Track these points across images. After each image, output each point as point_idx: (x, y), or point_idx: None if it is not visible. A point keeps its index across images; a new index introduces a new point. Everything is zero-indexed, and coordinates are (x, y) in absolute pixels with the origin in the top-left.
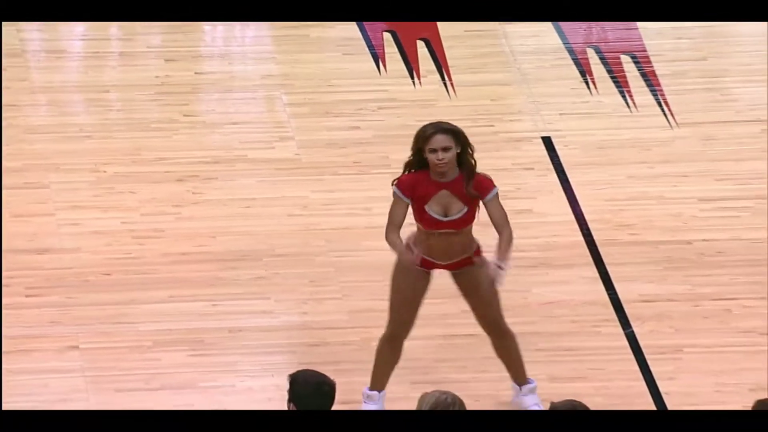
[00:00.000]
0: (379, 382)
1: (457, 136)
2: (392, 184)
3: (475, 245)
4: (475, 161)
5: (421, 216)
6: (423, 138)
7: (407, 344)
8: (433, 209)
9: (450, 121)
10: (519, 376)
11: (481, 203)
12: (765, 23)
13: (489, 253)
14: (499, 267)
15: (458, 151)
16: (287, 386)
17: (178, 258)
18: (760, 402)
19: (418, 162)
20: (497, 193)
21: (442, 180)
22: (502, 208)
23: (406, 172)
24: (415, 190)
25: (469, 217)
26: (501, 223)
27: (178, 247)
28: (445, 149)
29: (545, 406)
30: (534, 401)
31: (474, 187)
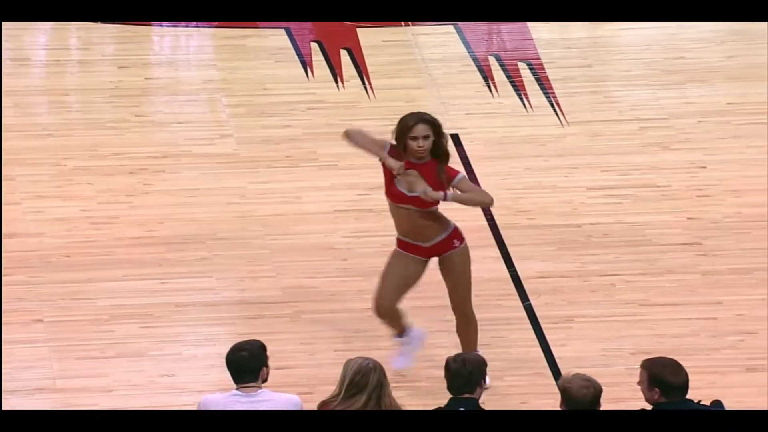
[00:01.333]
0: (399, 329)
1: (435, 126)
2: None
3: (451, 227)
4: (448, 149)
5: (389, 188)
6: (406, 128)
7: (331, 316)
8: (400, 183)
9: (427, 112)
10: (469, 349)
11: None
12: (642, 33)
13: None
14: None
15: (434, 139)
16: None
17: (131, 241)
18: (646, 361)
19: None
20: (464, 176)
21: (415, 162)
22: (473, 184)
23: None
24: (395, 157)
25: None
26: (476, 190)
27: (131, 232)
28: (425, 137)
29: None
30: None
31: (444, 173)
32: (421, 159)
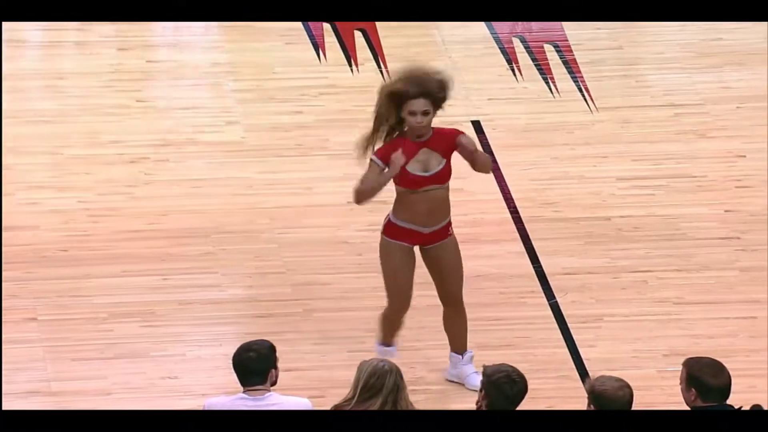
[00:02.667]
0: (389, 338)
1: (436, 101)
2: (372, 154)
3: (449, 215)
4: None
5: (404, 178)
6: (405, 98)
7: (345, 315)
8: (414, 168)
9: (420, 71)
10: (459, 347)
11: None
12: None
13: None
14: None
15: (434, 112)
16: None
17: (131, 235)
18: (688, 359)
19: (396, 125)
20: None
21: (419, 140)
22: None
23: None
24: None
25: (447, 169)
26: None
27: (131, 225)
28: (425, 113)
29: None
30: (473, 369)
31: (447, 136)
32: (421, 137)
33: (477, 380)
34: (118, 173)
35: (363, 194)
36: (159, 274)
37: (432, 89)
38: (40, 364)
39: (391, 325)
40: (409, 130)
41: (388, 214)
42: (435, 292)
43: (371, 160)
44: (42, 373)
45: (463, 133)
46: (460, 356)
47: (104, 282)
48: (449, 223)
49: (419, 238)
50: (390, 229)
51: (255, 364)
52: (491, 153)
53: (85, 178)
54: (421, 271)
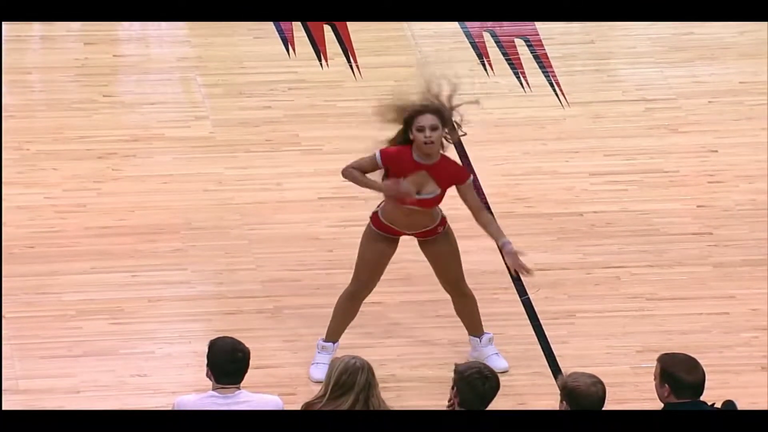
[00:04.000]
0: (335, 334)
1: (443, 114)
2: (379, 149)
3: (439, 216)
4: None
5: None
6: (411, 115)
7: (316, 311)
8: (408, 185)
9: (431, 97)
10: (476, 330)
11: (454, 188)
12: None
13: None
14: (512, 255)
15: (444, 131)
16: (206, 353)
17: (99, 231)
18: (663, 355)
19: (403, 140)
20: (471, 182)
21: (423, 161)
22: (476, 195)
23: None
24: (394, 164)
25: (438, 199)
26: (478, 207)
27: (99, 221)
28: (433, 128)
29: (451, 369)
30: (493, 351)
31: (452, 172)
32: (429, 157)
33: (497, 362)
34: (86, 169)
35: (349, 177)
36: (128, 271)
37: (440, 107)
38: (8, 362)
39: (342, 314)
40: (416, 147)
41: (378, 206)
42: (407, 289)
43: (374, 155)
44: (10, 371)
45: (469, 176)
46: (478, 339)
47: (72, 279)
48: (438, 224)
49: (403, 234)
50: (376, 221)
51: (241, 364)
52: (462, 148)
53: (51, 173)
54: (395, 267)
